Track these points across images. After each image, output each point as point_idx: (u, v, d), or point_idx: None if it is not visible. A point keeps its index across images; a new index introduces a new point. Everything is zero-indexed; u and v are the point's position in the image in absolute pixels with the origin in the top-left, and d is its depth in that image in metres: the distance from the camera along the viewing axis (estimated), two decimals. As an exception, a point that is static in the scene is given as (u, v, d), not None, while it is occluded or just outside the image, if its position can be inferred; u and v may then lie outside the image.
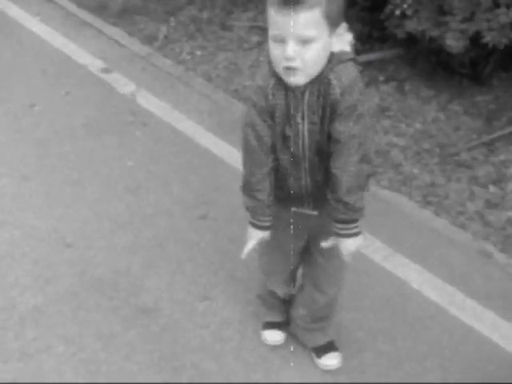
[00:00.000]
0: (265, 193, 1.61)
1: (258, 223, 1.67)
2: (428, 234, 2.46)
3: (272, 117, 1.46)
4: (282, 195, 1.64)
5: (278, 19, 1.29)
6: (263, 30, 3.96)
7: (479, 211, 2.56)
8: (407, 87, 3.30)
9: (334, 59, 1.38)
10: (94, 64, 3.71)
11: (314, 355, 1.99)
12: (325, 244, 1.65)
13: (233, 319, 2.14)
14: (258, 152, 1.53)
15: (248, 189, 1.64)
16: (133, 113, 3.26)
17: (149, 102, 3.36)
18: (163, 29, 4.09)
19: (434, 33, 2.84)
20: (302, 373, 1.96)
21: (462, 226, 2.50)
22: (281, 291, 1.96)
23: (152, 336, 2.09)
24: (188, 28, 4.09)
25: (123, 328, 2.12)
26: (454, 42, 2.75)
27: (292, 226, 1.69)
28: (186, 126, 3.16)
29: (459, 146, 2.89)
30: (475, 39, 2.74)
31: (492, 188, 2.67)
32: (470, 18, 2.71)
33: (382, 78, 3.37)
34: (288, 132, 1.47)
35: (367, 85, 3.33)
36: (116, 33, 4.05)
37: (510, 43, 2.68)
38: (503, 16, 2.60)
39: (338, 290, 1.89)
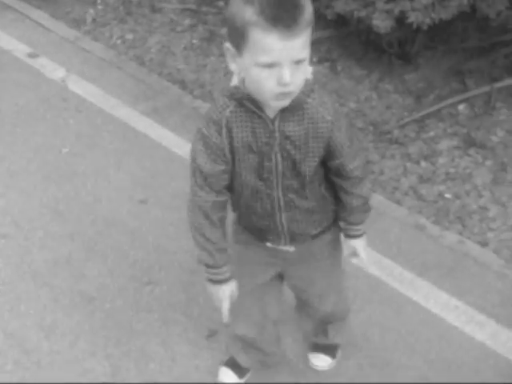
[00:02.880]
0: (216, 240, 1.43)
1: (215, 277, 1.48)
2: (365, 210, 2.54)
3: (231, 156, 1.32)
4: (254, 230, 1.51)
5: (274, 46, 1.12)
6: (195, 13, 3.92)
7: (413, 186, 2.66)
8: (340, 67, 3.37)
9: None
10: (19, 49, 3.57)
11: (309, 347, 1.92)
12: (355, 260, 1.62)
13: (178, 302, 2.14)
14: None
15: (197, 234, 1.45)
16: (64, 99, 3.17)
17: (81, 87, 3.27)
18: (91, 12, 3.98)
19: (362, 13, 2.89)
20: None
21: (398, 202, 2.59)
22: (251, 332, 1.72)
23: (96, 323, 2.06)
24: (117, 11, 3.99)
25: (66, 316, 2.08)
26: (380, 23, 2.82)
27: (266, 261, 1.56)
28: (121, 111, 3.10)
29: (391, 124, 2.99)
30: (401, 19, 2.82)
31: (423, 163, 2.77)
32: (394, -1, 2.79)
33: (315, 59, 3.42)
34: (262, 168, 1.34)
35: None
36: (41, 16, 3.90)
37: (433, 23, 2.77)
38: (425, -3, 2.69)
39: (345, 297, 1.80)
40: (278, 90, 1.18)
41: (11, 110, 3.07)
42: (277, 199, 1.39)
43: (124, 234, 2.40)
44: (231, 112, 1.28)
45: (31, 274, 2.23)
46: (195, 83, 3.35)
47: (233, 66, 1.23)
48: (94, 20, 3.91)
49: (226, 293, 1.49)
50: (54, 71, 3.38)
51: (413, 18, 2.74)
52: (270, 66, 1.15)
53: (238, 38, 1.15)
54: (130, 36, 3.76)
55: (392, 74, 3.28)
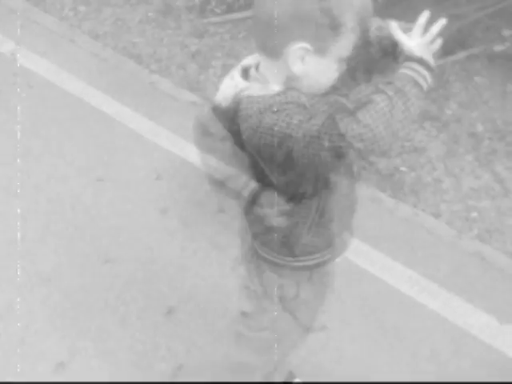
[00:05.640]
0: None
1: None
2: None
3: None
4: None
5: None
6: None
7: (369, 160, 2.69)
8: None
9: None
10: (-35, 21, 3.44)
11: None
12: None
13: (136, 280, 2.13)
14: None
15: None
16: (15, 74, 3.07)
17: (32, 61, 3.17)
18: (41, -18, 3.85)
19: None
20: (204, 328, 2.01)
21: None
22: None
23: (53, 303, 2.05)
24: (69, -19, 3.87)
25: (21, 298, 2.05)
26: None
27: None
28: (75, 86, 3.03)
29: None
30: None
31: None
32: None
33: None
34: None
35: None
36: (-12, -14, 3.76)
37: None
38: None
39: None
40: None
41: (-41, 86, 2.97)
42: None
43: (80, 213, 2.37)
44: None
45: (-15, 255, 2.19)
46: (152, 57, 3.29)
47: (298, 68, 1.13)
48: (44, -9, 3.79)
49: None
50: (2, 44, 3.27)
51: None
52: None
53: (327, 39, 1.11)
54: (82, 8, 3.66)
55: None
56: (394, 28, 1.19)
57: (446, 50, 3.08)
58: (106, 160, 2.62)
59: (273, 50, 1.14)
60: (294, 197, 1.26)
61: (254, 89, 1.16)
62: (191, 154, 2.64)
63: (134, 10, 3.65)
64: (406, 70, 1.12)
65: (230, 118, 1.19)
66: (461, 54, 3.09)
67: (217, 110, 1.24)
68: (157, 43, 3.39)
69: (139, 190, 2.48)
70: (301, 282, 1.42)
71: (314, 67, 1.14)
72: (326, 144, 1.06)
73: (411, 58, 1.14)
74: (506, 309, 2.05)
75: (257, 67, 1.21)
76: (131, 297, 2.08)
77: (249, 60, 1.24)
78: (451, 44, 3.16)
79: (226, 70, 3.15)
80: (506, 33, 2.85)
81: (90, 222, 2.34)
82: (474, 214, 2.44)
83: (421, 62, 1.13)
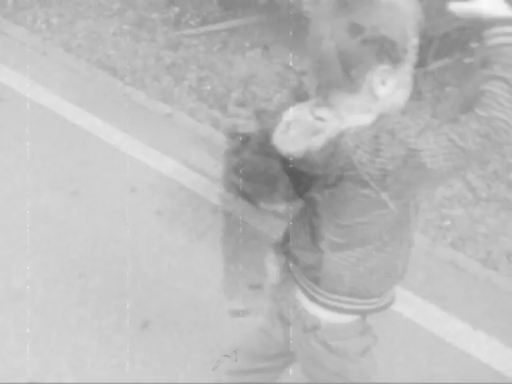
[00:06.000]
0: None
1: None
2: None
3: None
4: None
5: None
6: (124, -4, 3.83)
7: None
8: (272, 52, 3.37)
9: None
10: None
11: None
12: None
13: (111, 294, 2.11)
14: None
15: None
16: (-14, 87, 3.04)
17: (3, 74, 3.14)
18: (12, -7, 3.82)
19: (292, -2, 2.93)
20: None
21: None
22: None
23: (25, 319, 2.01)
24: (41, -7, 3.85)
25: (-7, 314, 2.02)
26: (310, 8, 2.85)
27: None
28: (48, 99, 3.00)
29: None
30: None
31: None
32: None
33: (247, 45, 3.42)
34: None
35: (233, 52, 3.36)
36: (-41, -1, 3.72)
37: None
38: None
39: None
40: None
41: None
42: None
43: (54, 227, 2.34)
44: None
45: (-45, 272, 2.15)
46: (126, 69, 3.28)
47: (383, 91, 1.12)
48: (15, 2, 3.75)
49: None
50: (-26, 58, 3.24)
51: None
52: None
53: (398, 52, 1.09)
54: (55, 20, 3.64)
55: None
56: (457, 7, 1.06)
57: (418, 62, 3.15)
58: (80, 173, 2.60)
59: (351, 85, 1.10)
60: (395, 226, 1.19)
61: (348, 123, 1.12)
62: (166, 166, 2.63)
63: (107, 23, 3.64)
64: (501, 39, 1.02)
65: (324, 160, 1.11)
66: (432, 66, 3.14)
67: (297, 161, 1.16)
68: (131, 55, 3.38)
69: (113, 203, 2.46)
70: (366, 326, 1.34)
71: (395, 83, 1.12)
72: (461, 144, 1.00)
73: (497, 22, 1.02)
74: (479, 315, 2.08)
75: (330, 106, 1.15)
76: (106, 311, 2.05)
77: (303, 108, 1.18)
78: (423, 56, 3.21)
79: (200, 82, 3.15)
80: (474, 45, 2.91)
81: (63, 236, 2.31)
82: (448, 223, 2.47)
83: (507, 21, 1.02)
